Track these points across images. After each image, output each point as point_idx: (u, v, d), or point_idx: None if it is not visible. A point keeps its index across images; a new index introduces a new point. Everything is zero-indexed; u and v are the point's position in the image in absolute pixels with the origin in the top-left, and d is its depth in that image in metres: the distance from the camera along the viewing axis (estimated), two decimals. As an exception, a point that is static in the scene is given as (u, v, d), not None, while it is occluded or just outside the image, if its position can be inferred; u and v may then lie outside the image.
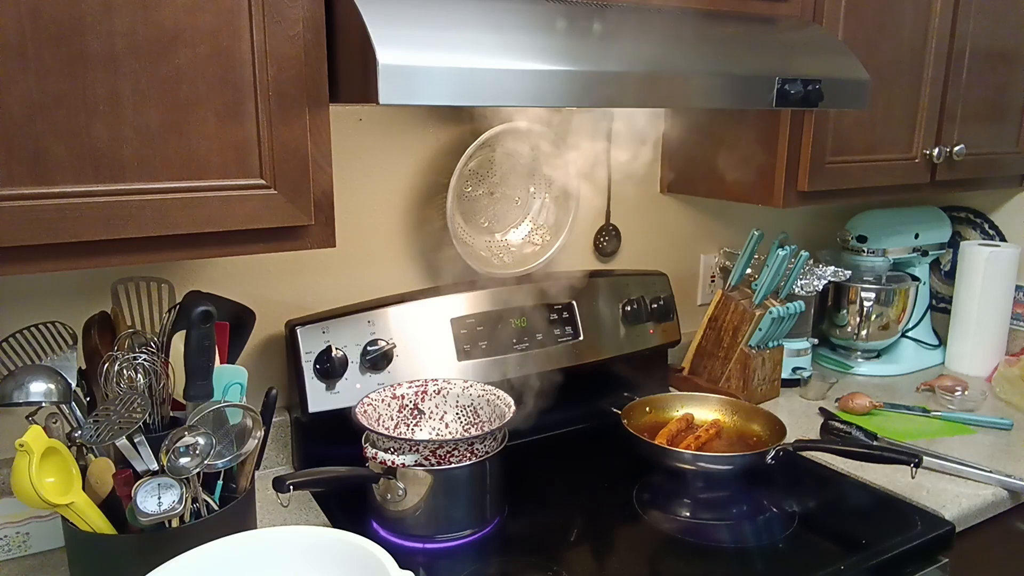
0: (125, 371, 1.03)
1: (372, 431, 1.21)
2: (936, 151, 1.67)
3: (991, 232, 2.08)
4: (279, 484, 1.09)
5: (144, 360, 1.03)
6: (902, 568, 1.23)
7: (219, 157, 0.95)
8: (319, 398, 1.33)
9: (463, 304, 1.48)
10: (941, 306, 2.15)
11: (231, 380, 1.15)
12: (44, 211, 0.86)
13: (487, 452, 1.23)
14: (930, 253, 2.06)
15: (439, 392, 1.37)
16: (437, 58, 0.94)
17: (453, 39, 0.97)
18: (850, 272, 1.86)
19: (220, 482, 1.10)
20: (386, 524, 1.23)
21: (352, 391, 1.35)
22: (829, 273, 1.78)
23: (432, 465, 1.18)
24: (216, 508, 1.05)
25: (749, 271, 1.79)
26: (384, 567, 0.90)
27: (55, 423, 1.05)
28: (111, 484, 1.01)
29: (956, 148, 1.69)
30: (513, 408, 1.28)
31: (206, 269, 1.34)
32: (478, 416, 1.37)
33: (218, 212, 0.96)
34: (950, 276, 2.11)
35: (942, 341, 2.07)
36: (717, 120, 1.66)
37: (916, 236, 2.01)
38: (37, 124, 0.85)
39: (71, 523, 0.99)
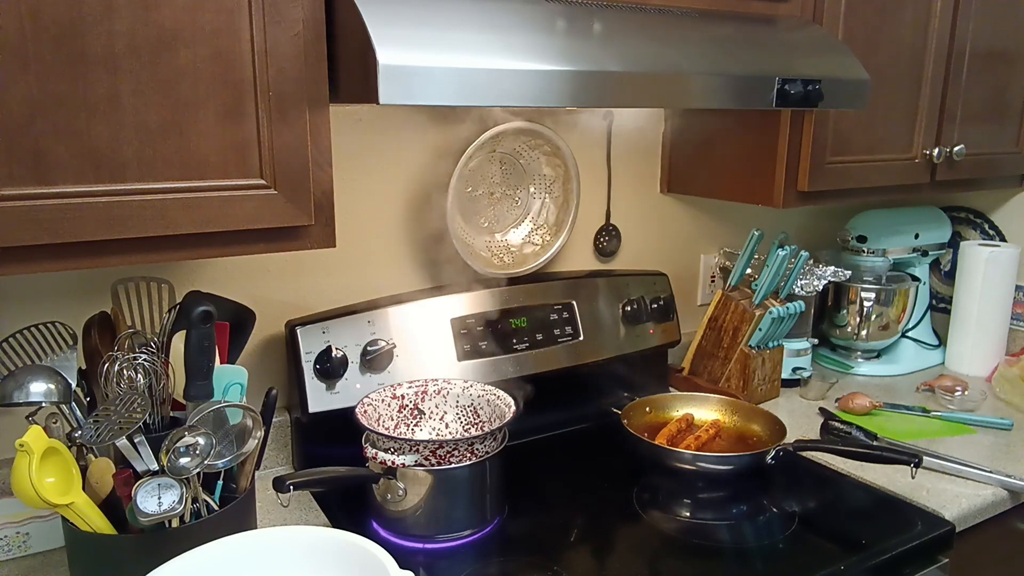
0: (125, 371, 1.03)
1: (372, 431, 1.21)
2: (936, 151, 1.67)
3: (991, 232, 2.08)
4: (279, 484, 1.09)
5: (144, 360, 1.03)
6: (902, 568, 1.23)
7: (219, 157, 0.95)
8: (319, 398, 1.33)
9: (463, 304, 1.48)
10: (941, 306, 2.15)
11: (231, 380, 1.15)
12: (44, 211, 0.86)
13: (487, 452, 1.23)
14: (930, 253, 2.06)
15: (439, 392, 1.37)
16: (437, 58, 0.94)
17: (453, 39, 0.97)
18: (850, 272, 1.86)
19: (220, 482, 1.10)
20: (386, 524, 1.23)
21: (352, 391, 1.35)
22: (829, 273, 1.78)
23: (432, 465, 1.18)
24: (216, 508, 1.05)
25: (749, 271, 1.79)
26: (384, 567, 0.90)
27: (55, 423, 1.05)
28: (111, 484, 1.01)
29: (956, 148, 1.69)
30: (513, 408, 1.28)
31: (206, 269, 1.34)
32: (478, 416, 1.37)
33: (218, 212, 0.96)
34: (950, 276, 2.11)
35: (942, 341, 2.07)
36: (717, 120, 1.66)
37: (916, 236, 2.01)
38: (37, 124, 0.85)
39: (71, 523, 0.99)
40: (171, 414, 1.11)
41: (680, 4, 1.28)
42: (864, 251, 1.97)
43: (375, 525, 1.24)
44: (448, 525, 1.22)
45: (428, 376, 1.40)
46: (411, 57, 0.92)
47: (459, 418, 1.38)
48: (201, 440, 1.00)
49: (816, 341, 1.89)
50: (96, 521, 0.99)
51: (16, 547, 1.17)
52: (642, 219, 1.82)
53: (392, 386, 1.35)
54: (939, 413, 1.70)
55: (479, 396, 1.36)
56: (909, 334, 2.02)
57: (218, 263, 1.35)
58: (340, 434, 1.27)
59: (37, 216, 0.86)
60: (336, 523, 1.26)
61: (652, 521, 1.30)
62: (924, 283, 2.05)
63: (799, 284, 1.76)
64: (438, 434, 1.37)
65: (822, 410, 1.70)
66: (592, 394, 1.62)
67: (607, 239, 1.76)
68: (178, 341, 1.09)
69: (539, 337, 1.54)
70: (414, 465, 1.17)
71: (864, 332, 1.95)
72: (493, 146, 1.49)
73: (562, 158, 1.55)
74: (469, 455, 1.21)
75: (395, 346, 1.39)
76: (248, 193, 0.98)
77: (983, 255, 1.90)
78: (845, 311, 1.96)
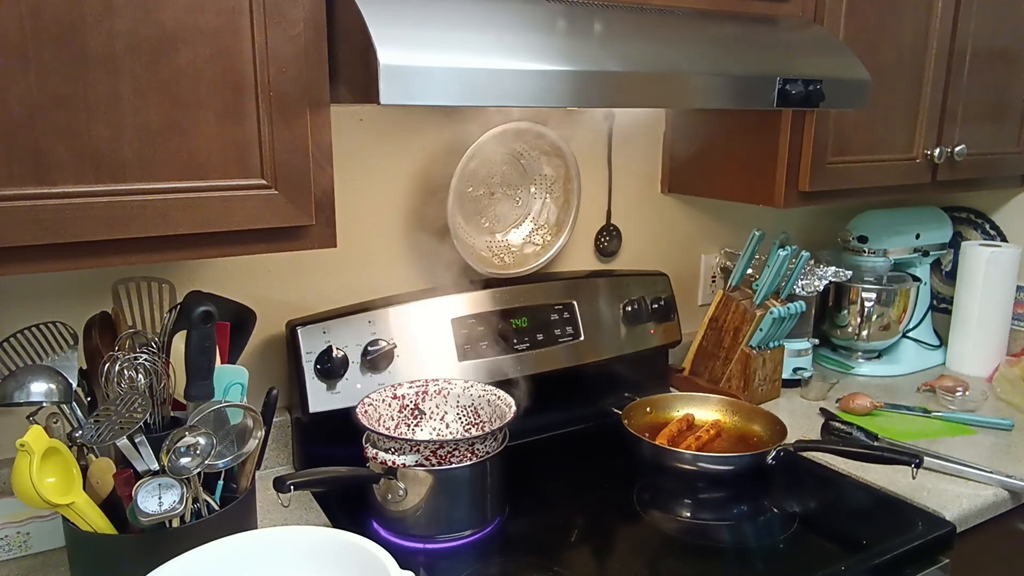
0: (126, 371, 1.03)
1: (373, 431, 1.21)
2: (937, 151, 1.67)
3: (992, 232, 2.08)
4: (280, 484, 1.09)
5: (145, 360, 1.03)
6: (903, 568, 1.22)
7: (220, 157, 0.95)
8: (320, 398, 1.33)
9: (464, 304, 1.48)
10: (942, 306, 2.15)
11: (232, 380, 1.15)
12: (45, 211, 0.86)
13: (488, 452, 1.23)
14: (931, 253, 2.05)
15: (440, 392, 1.37)
16: (438, 58, 0.94)
17: (453, 39, 0.97)
18: (851, 272, 1.86)
19: (221, 482, 1.10)
20: (387, 524, 1.23)
21: (353, 391, 1.35)
22: (830, 273, 1.78)
23: (433, 465, 1.18)
24: (217, 508, 1.05)
25: (750, 271, 1.79)
26: (384, 567, 0.90)
27: (56, 423, 1.06)
28: (112, 484, 1.01)
29: (957, 148, 1.69)
30: (514, 408, 1.28)
31: (207, 269, 1.34)
32: (479, 416, 1.36)
33: (219, 212, 0.96)
34: (951, 276, 2.11)
35: (943, 341, 2.06)
36: (718, 120, 1.66)
37: (917, 236, 2.01)
38: (38, 124, 0.85)
39: (72, 523, 0.99)
40: (172, 414, 1.11)
41: (681, 4, 1.28)
42: (865, 251, 1.97)
43: (375, 525, 1.24)
44: (449, 525, 1.22)
45: (429, 376, 1.40)
46: (412, 57, 0.92)
47: (460, 418, 1.38)
48: (202, 440, 1.00)
49: (817, 341, 1.89)
50: (97, 521, 0.99)
51: (17, 547, 1.17)
52: (643, 219, 1.82)
53: (393, 386, 1.35)
54: (940, 413, 1.70)
55: (480, 396, 1.36)
56: (910, 334, 2.02)
57: (219, 263, 1.35)
58: (341, 434, 1.27)
59: (38, 216, 0.86)
60: (336, 523, 1.26)
61: (652, 521, 1.30)
62: (925, 283, 2.04)
63: (800, 284, 1.76)
64: (439, 434, 1.37)
65: (823, 410, 1.70)
66: (593, 394, 1.62)
67: (608, 239, 1.76)
68: (179, 341, 1.09)
69: (540, 337, 1.54)
70: (415, 465, 1.17)
71: (865, 332, 1.95)
72: (494, 146, 1.48)
73: (563, 158, 1.55)
74: (470, 455, 1.21)
75: (396, 346, 1.39)
76: (249, 193, 0.98)
77: (984, 255, 1.90)
78: (846, 311, 1.96)
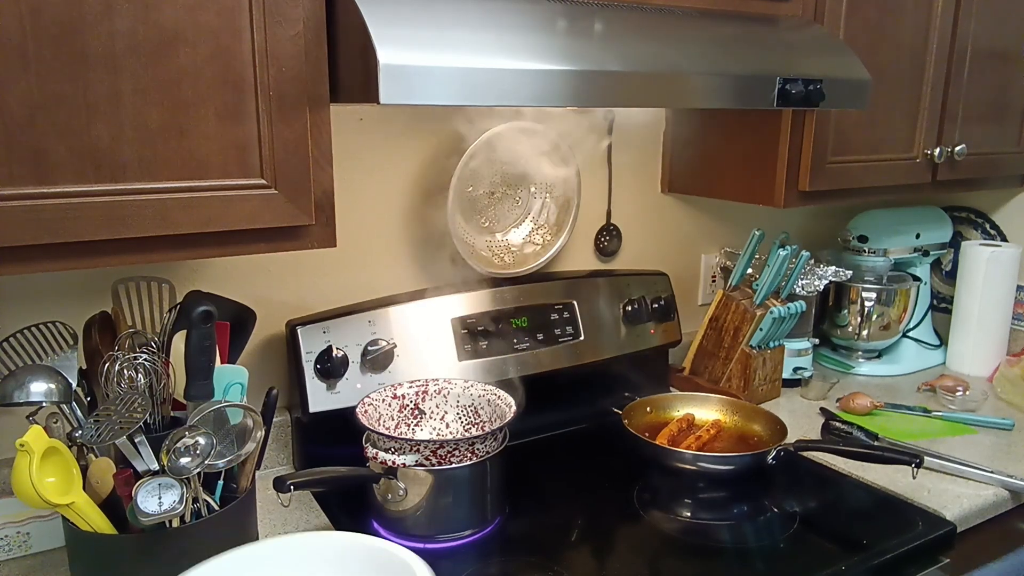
0: (126, 371, 1.03)
1: (373, 431, 1.21)
2: (937, 151, 1.67)
3: (992, 232, 2.08)
4: (280, 484, 1.09)
5: (145, 360, 1.03)
6: (903, 568, 1.22)
7: (220, 157, 0.95)
8: (320, 398, 1.33)
9: (464, 304, 1.48)
10: (942, 306, 2.15)
11: (232, 380, 1.15)
12: (45, 211, 0.86)
13: (488, 452, 1.23)
14: (931, 253, 2.05)
15: (440, 392, 1.37)
16: (438, 58, 0.94)
17: (453, 39, 0.97)
18: (851, 272, 1.86)
19: (221, 482, 1.10)
20: (387, 524, 1.23)
21: (353, 391, 1.35)
22: (830, 273, 1.78)
23: (433, 465, 1.18)
24: (217, 508, 1.05)
25: (750, 271, 1.79)
26: (414, 573, 0.90)
27: (56, 423, 1.06)
28: (112, 484, 1.01)
29: (957, 148, 1.69)
30: (514, 408, 1.28)
31: (207, 269, 1.34)
32: (479, 416, 1.36)
33: (219, 212, 0.96)
34: (951, 276, 2.11)
35: (943, 341, 2.06)
36: (718, 120, 1.66)
37: (917, 236, 2.01)
38: (38, 124, 0.85)
39: (72, 523, 0.99)
40: (171, 414, 1.11)
41: (681, 4, 1.28)
42: (865, 251, 1.97)
43: (376, 525, 1.24)
44: (449, 525, 1.22)
45: (429, 376, 1.40)
46: (412, 57, 0.92)
47: (460, 418, 1.38)
48: (201, 440, 1.00)
49: (817, 341, 1.89)
50: (96, 521, 0.99)
51: (17, 547, 1.17)
52: (643, 219, 1.81)
53: (393, 386, 1.35)
54: (940, 413, 1.70)
55: (480, 396, 1.36)
56: (910, 334, 2.02)
57: (218, 263, 1.35)
58: (341, 434, 1.27)
59: (38, 216, 0.86)
60: (337, 523, 1.26)
61: (653, 521, 1.30)
62: (925, 283, 2.04)
63: (800, 284, 1.76)
64: (439, 434, 1.37)
65: (823, 410, 1.70)
66: (593, 394, 1.61)
67: (608, 239, 1.76)
68: (179, 341, 1.09)
69: (540, 337, 1.54)
70: (415, 465, 1.17)
71: (865, 332, 1.95)
72: (494, 146, 1.48)
73: (563, 158, 1.55)
74: (470, 455, 1.21)
75: (396, 346, 1.39)
76: (248, 193, 0.98)
77: (984, 255, 1.90)
78: (846, 311, 1.96)
